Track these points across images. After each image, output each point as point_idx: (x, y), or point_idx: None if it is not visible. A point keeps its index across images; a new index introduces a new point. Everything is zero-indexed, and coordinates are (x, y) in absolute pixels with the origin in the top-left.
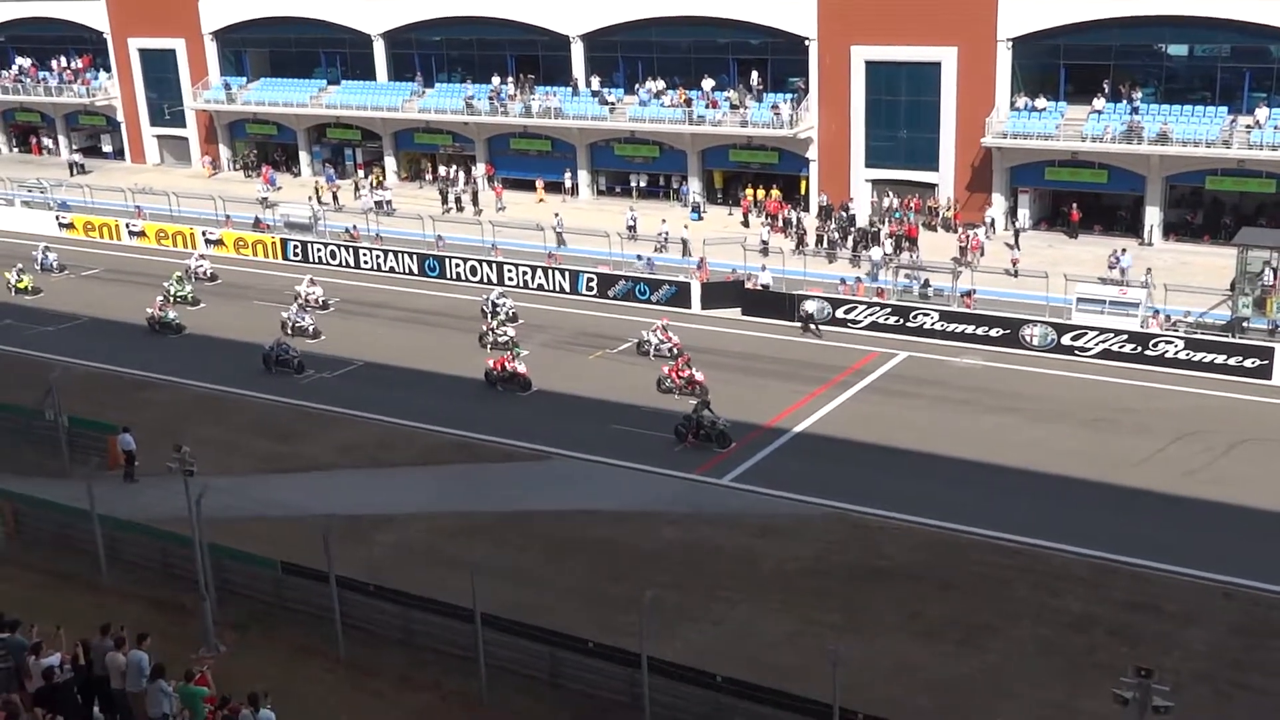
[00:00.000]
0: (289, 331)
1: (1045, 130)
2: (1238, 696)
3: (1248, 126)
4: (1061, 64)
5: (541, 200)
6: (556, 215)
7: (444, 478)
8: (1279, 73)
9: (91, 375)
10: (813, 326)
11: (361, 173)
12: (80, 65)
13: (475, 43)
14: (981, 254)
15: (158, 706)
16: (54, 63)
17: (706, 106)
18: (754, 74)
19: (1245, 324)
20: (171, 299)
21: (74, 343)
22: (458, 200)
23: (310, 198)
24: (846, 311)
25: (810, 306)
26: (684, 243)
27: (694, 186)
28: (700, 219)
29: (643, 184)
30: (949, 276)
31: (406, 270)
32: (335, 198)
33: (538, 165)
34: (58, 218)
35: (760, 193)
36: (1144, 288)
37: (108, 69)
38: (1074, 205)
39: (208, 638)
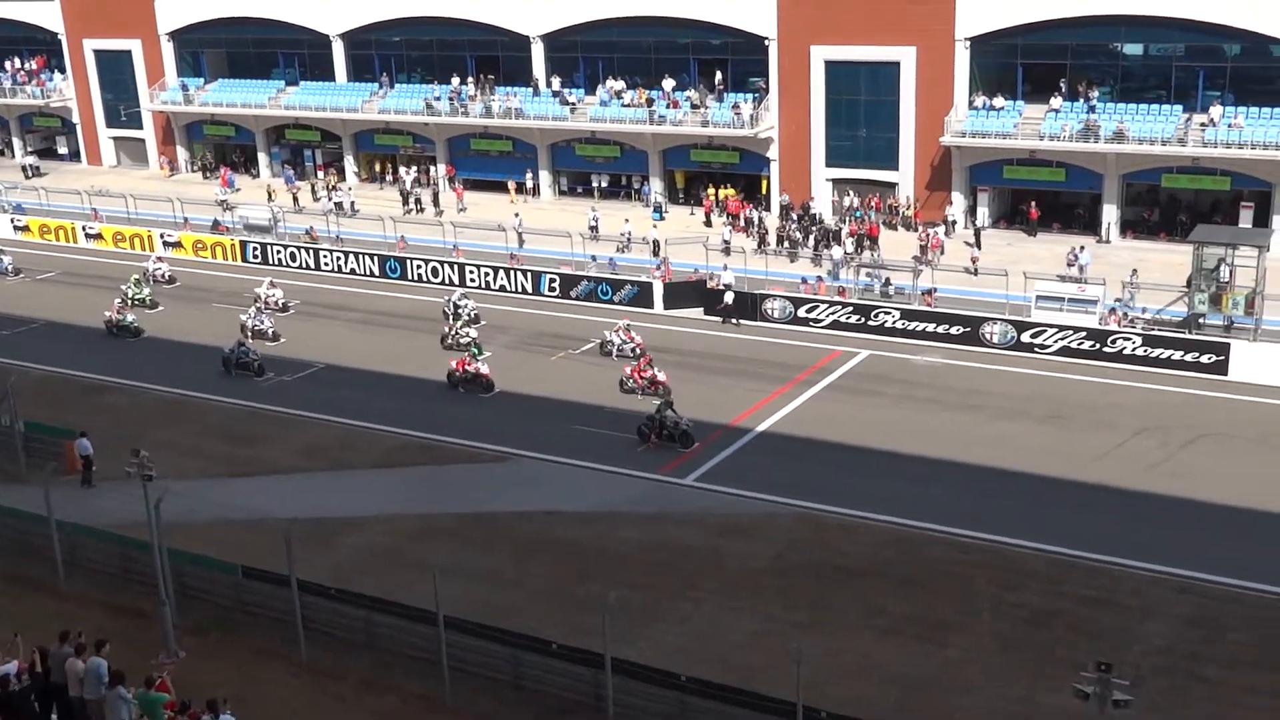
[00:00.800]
0: (249, 334)
1: (1003, 129)
2: (1196, 689)
3: (1202, 125)
4: (1019, 63)
5: (513, 201)
6: (517, 216)
7: (406, 480)
8: (1232, 71)
9: (48, 379)
10: (733, 320)
11: (320, 174)
12: (34, 66)
13: (435, 43)
14: (942, 252)
15: (116, 713)
16: (8, 64)
17: (667, 106)
18: (716, 74)
19: (1201, 320)
20: (129, 302)
21: (30, 347)
22: (418, 201)
23: (269, 200)
24: (809, 310)
25: (729, 298)
26: (655, 243)
27: (655, 187)
28: (662, 219)
29: (604, 184)
30: (910, 275)
31: (367, 272)
32: (295, 199)
33: (499, 166)
34: (12, 220)
35: (722, 192)
36: (1133, 287)
37: (62, 70)
38: (1032, 203)
39: (168, 643)
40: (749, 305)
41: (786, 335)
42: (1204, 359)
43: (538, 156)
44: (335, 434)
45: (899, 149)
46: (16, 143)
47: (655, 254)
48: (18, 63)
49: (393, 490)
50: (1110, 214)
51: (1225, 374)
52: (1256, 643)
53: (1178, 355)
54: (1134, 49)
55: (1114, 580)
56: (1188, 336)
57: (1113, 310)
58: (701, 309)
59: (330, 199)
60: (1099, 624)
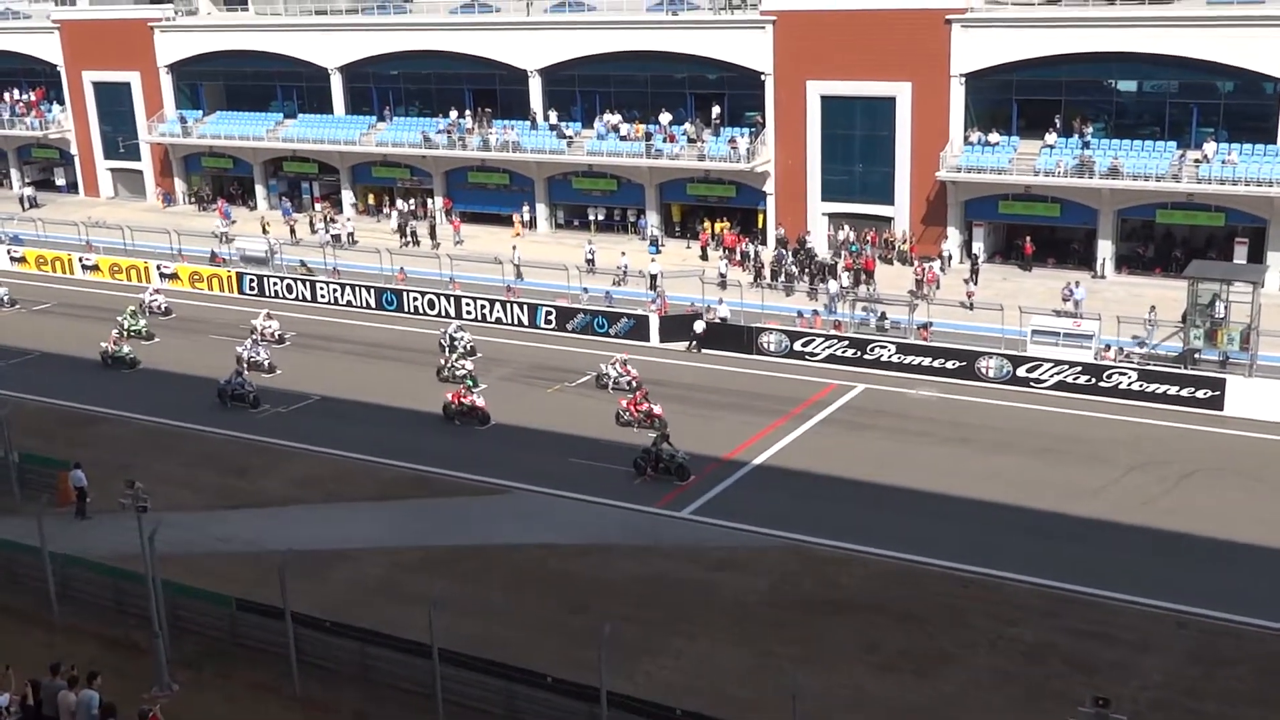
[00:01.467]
0: (245, 366)
1: (998, 164)
2: None
3: (1196, 161)
4: (1014, 99)
5: (518, 234)
6: (514, 249)
7: (401, 512)
8: (1225, 108)
9: (43, 410)
10: (695, 349)
11: (318, 206)
12: (33, 98)
13: (433, 76)
14: (937, 287)
15: None
16: (7, 95)
17: (664, 140)
18: (713, 108)
19: (1197, 355)
20: (125, 333)
21: (25, 378)
22: (413, 234)
23: (264, 232)
24: (804, 344)
25: (698, 327)
26: (652, 277)
27: (652, 220)
28: (659, 252)
29: (600, 217)
30: (905, 309)
31: (363, 304)
32: (293, 231)
33: (496, 199)
34: (9, 251)
35: (718, 225)
36: (1150, 323)
37: (61, 102)
38: (1027, 238)
39: (161, 676)
40: (745, 339)
41: (782, 369)
42: (1199, 394)
43: (535, 189)
44: (330, 466)
45: (894, 184)
46: (14, 174)
47: (651, 287)
48: (17, 94)
49: (388, 523)
50: (1105, 249)
51: (1221, 409)
52: (1254, 677)
53: (1173, 390)
54: (1128, 86)
55: (1111, 615)
56: (1183, 371)
57: (1108, 347)
58: (697, 342)
59: (328, 231)
60: (1096, 658)
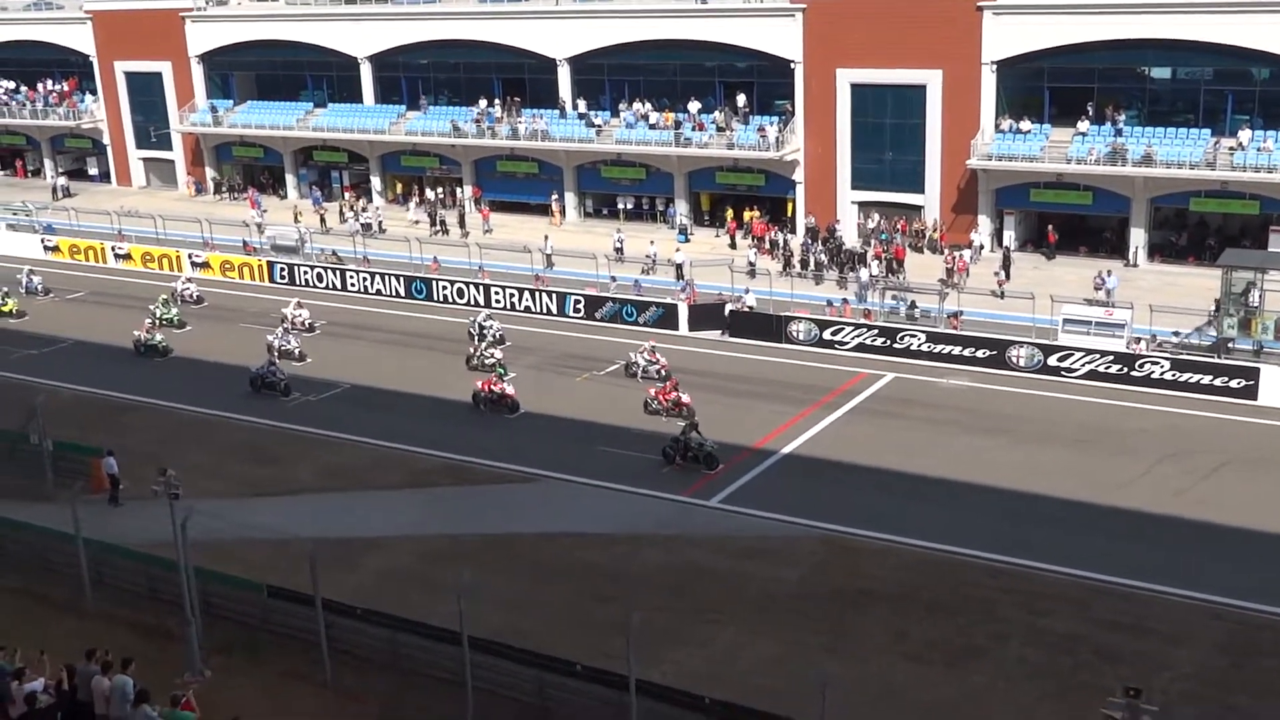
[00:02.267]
0: (276, 354)
1: (1030, 152)
2: (1226, 717)
3: (1230, 149)
4: (1046, 86)
5: (556, 224)
6: (546, 238)
7: (431, 501)
8: (1260, 95)
9: (77, 399)
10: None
11: (348, 195)
12: (66, 88)
13: (462, 66)
14: (967, 275)
15: None
16: (40, 85)
17: (693, 129)
18: (740, 96)
19: (1230, 345)
20: (158, 322)
21: (59, 366)
22: (442, 222)
23: (296, 221)
24: (834, 333)
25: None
26: (678, 267)
27: (680, 209)
28: (687, 241)
29: (629, 206)
30: (935, 298)
31: (393, 292)
32: (323, 220)
33: (525, 187)
34: (43, 241)
35: (746, 214)
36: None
37: (94, 92)
38: (1050, 227)
39: (193, 662)
40: (774, 327)
41: (811, 358)
42: (1233, 383)
43: (563, 178)
44: (360, 454)
45: (925, 172)
46: (48, 164)
47: (680, 276)
48: (50, 84)
49: (417, 511)
50: (1138, 238)
51: (1255, 399)
52: None
53: (1206, 380)
54: (1162, 72)
55: (1143, 606)
56: (1216, 361)
57: (1140, 339)
58: (725, 331)
59: (357, 219)
60: (1128, 650)
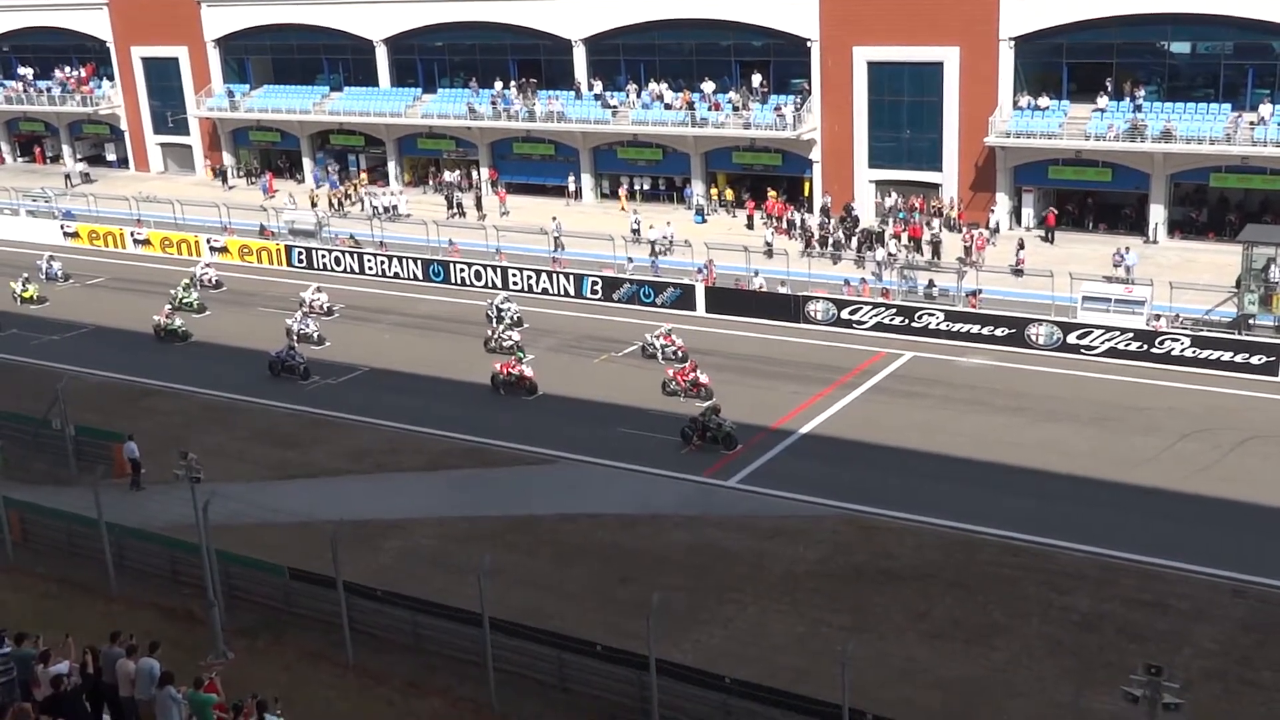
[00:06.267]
0: (294, 338)
1: (1048, 129)
2: (1248, 694)
3: (1251, 123)
4: (1064, 62)
5: (569, 204)
6: (554, 219)
7: (451, 483)
8: None
9: (98, 384)
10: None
11: (364, 178)
12: (84, 74)
13: (477, 47)
14: (985, 253)
15: (167, 714)
16: (57, 71)
17: (709, 109)
18: (756, 76)
19: (1251, 321)
20: (178, 306)
21: (80, 351)
22: (459, 205)
23: (313, 205)
24: (852, 312)
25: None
26: (689, 244)
27: (697, 189)
28: (704, 221)
29: (646, 187)
30: (954, 276)
31: (411, 276)
32: (340, 204)
33: (541, 169)
34: (62, 227)
35: (769, 193)
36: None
37: (111, 78)
38: (1051, 210)
39: (216, 645)
40: (792, 307)
41: (830, 337)
42: (1254, 360)
43: (580, 160)
44: (380, 437)
45: (942, 150)
46: (66, 150)
47: (656, 254)
48: (67, 70)
49: (437, 493)
50: (1158, 214)
51: (1276, 375)
52: None
53: (1227, 356)
54: (1181, 47)
55: (1165, 583)
56: (1237, 337)
57: (1159, 316)
58: (744, 311)
59: (380, 200)
60: (1149, 627)
